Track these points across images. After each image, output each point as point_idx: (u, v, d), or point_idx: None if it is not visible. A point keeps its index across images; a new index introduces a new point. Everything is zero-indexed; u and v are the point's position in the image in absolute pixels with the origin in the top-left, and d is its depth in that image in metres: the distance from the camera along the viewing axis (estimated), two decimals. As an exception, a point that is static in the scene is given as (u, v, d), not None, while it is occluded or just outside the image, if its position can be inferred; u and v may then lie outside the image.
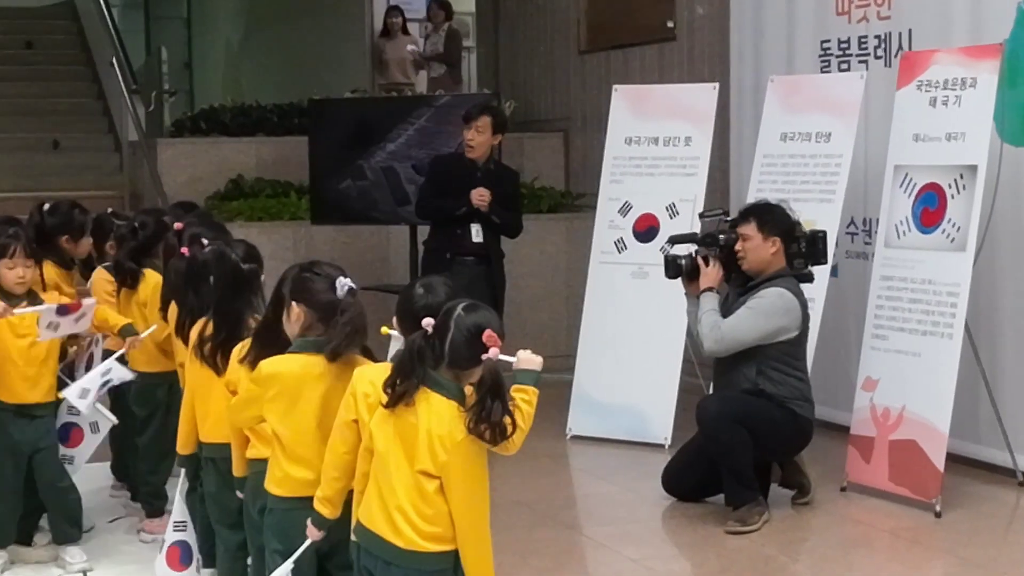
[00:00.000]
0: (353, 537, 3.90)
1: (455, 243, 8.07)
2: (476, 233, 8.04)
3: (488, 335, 3.62)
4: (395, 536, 3.73)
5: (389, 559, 3.75)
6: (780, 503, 6.66)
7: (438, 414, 3.69)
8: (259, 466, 4.38)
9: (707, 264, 6.56)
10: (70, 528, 5.90)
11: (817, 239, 6.64)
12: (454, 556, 3.75)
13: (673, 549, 6.51)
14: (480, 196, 7.94)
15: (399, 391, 3.71)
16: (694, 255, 6.62)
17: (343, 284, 4.10)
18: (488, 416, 3.61)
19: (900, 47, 7.76)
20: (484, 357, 3.62)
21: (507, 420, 3.63)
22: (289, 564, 4.07)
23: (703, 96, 8.36)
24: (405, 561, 3.73)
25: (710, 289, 6.53)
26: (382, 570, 3.78)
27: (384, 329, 4.07)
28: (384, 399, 3.75)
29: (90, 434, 6.09)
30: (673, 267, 6.65)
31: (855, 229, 8.08)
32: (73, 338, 5.95)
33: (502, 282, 8.25)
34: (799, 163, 7.88)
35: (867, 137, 7.87)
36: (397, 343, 4.02)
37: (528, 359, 3.74)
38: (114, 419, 6.13)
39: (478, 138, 8.04)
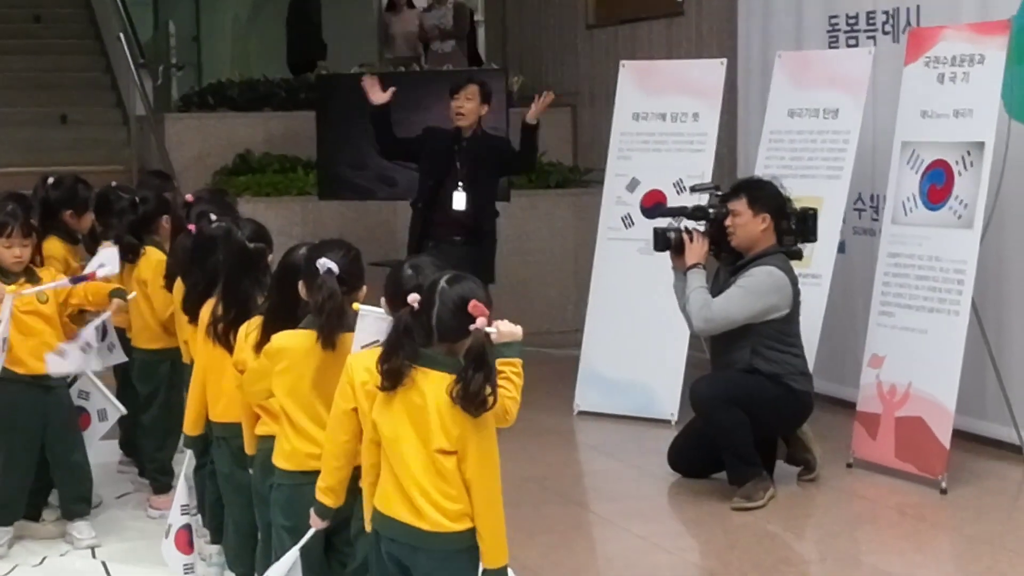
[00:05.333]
0: (368, 527, 3.86)
1: (437, 210, 7.95)
2: (458, 201, 7.93)
3: (474, 305, 3.60)
4: (419, 520, 3.68)
5: (416, 544, 3.70)
6: (786, 480, 6.67)
7: (443, 390, 3.66)
8: (268, 443, 4.40)
9: (692, 240, 6.52)
10: (79, 504, 5.92)
11: (807, 216, 6.60)
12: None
13: (679, 526, 6.53)
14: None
15: (389, 369, 3.68)
16: (681, 230, 6.57)
17: (322, 264, 4.10)
18: (468, 386, 3.58)
19: (908, 23, 7.74)
20: (472, 328, 3.59)
21: (487, 391, 3.58)
22: (295, 551, 4.07)
23: (711, 72, 8.34)
24: (432, 543, 3.69)
25: (696, 265, 6.48)
26: (408, 556, 3.73)
27: (356, 305, 4.06)
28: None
29: (97, 421, 6.10)
30: (662, 240, 6.58)
31: (862, 205, 8.08)
32: (81, 315, 5.96)
33: (491, 262, 8.04)
34: (807, 139, 7.87)
35: (875, 113, 7.85)
36: (364, 320, 4.00)
37: (508, 331, 3.71)
38: (123, 409, 6.13)
39: (468, 105, 7.99)
